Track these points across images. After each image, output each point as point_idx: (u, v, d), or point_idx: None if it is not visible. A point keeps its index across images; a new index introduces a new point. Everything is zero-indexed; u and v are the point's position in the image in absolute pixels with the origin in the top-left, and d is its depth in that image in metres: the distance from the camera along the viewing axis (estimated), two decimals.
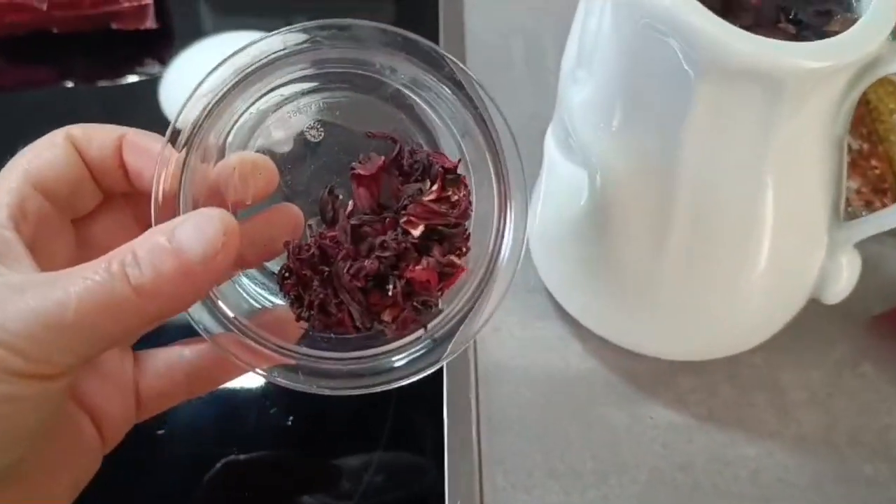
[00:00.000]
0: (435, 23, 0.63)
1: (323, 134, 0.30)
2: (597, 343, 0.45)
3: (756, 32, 0.32)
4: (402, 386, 0.28)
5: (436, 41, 0.60)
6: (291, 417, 0.42)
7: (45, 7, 0.57)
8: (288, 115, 0.30)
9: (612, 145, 0.36)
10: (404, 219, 0.28)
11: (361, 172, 0.29)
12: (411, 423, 0.42)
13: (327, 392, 0.28)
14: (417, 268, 0.28)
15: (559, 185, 0.42)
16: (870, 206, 0.50)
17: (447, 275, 0.28)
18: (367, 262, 0.27)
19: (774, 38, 0.32)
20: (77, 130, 0.27)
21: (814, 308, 0.42)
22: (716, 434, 0.43)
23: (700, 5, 0.30)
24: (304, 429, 0.42)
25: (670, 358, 0.43)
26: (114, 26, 0.59)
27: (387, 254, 0.27)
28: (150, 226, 0.25)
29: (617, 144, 0.36)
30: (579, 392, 0.44)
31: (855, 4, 0.34)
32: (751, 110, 0.32)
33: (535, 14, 0.61)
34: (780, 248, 0.37)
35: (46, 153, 0.26)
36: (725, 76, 0.31)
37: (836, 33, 0.33)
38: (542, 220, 0.44)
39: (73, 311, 0.21)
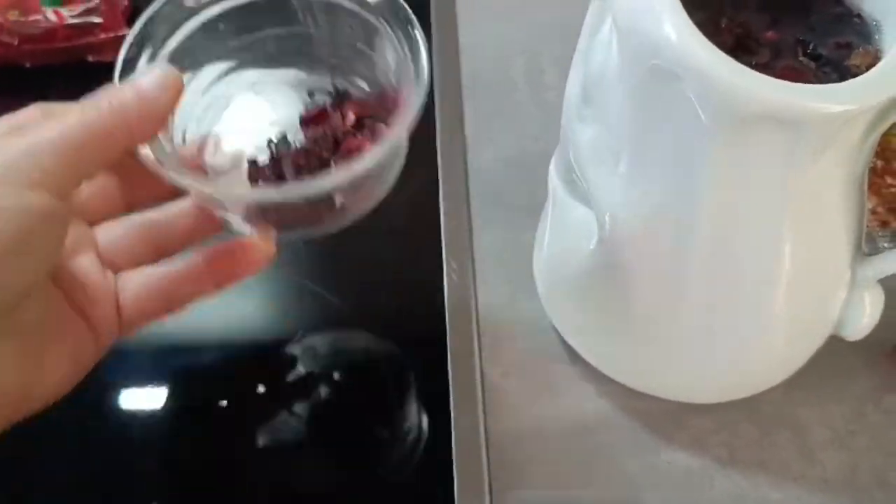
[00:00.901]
0: (427, 42, 0.60)
1: None
2: (610, 385, 0.43)
3: (774, 69, 0.30)
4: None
5: (429, 61, 0.59)
6: None
7: (15, 42, 0.55)
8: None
9: (621, 190, 0.34)
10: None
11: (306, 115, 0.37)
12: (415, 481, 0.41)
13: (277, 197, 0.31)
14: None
15: (566, 223, 0.40)
16: (886, 226, 0.49)
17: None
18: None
19: (793, 74, 0.30)
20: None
21: (833, 339, 0.40)
22: (737, 477, 0.41)
23: (713, 46, 0.28)
24: None
25: (688, 401, 0.41)
26: (90, 59, 0.57)
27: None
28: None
29: (626, 190, 0.34)
30: (593, 438, 0.42)
31: (876, 37, 0.32)
32: (770, 156, 0.30)
33: (536, 32, 0.59)
34: (800, 290, 0.36)
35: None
36: (743, 122, 0.29)
37: (857, 67, 0.31)
38: (548, 258, 0.42)
39: (59, 134, 0.27)
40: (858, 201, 0.35)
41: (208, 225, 0.34)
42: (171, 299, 0.33)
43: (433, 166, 0.52)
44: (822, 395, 0.44)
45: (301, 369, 0.44)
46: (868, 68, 0.30)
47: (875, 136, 0.32)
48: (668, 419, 0.42)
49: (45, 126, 0.27)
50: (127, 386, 0.43)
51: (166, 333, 0.42)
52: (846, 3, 0.33)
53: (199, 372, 0.45)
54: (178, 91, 0.30)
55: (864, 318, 0.38)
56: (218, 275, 0.33)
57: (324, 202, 0.32)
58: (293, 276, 0.47)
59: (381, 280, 0.47)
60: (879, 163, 0.50)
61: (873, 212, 0.49)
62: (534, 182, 0.45)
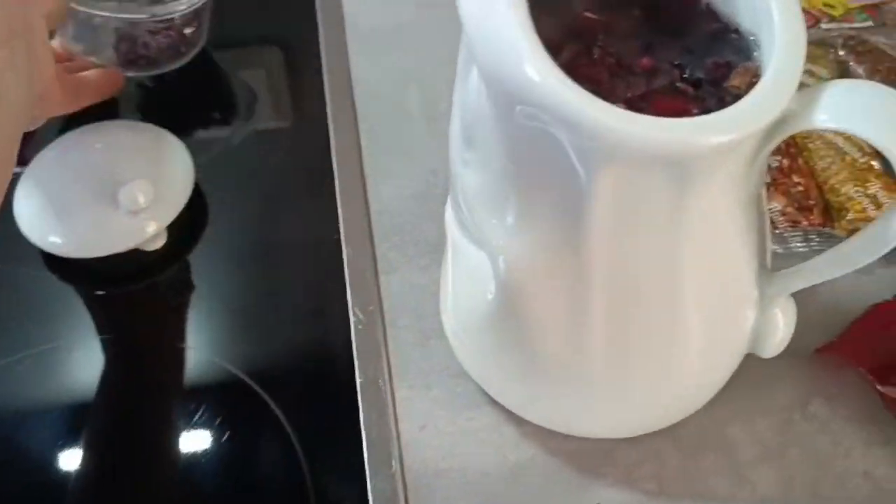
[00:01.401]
0: (319, 77, 0.58)
1: None
2: (531, 427, 0.41)
3: (653, 98, 0.29)
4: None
5: (321, 92, 0.57)
6: None
7: None
8: None
9: (511, 236, 0.32)
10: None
11: None
12: None
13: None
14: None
15: (466, 266, 0.38)
16: (797, 226, 0.48)
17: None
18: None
19: (671, 103, 0.28)
20: None
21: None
22: None
23: (579, 87, 0.26)
24: None
25: (609, 437, 0.40)
26: None
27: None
28: None
29: (517, 235, 0.32)
30: (519, 486, 0.40)
31: (755, 52, 0.30)
32: (656, 192, 0.28)
33: (428, 60, 0.57)
34: (709, 316, 0.34)
35: None
36: (622, 164, 0.27)
37: (737, 87, 0.29)
38: (453, 302, 0.40)
39: None
40: (756, 219, 0.34)
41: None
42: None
43: (332, 207, 0.50)
44: (747, 409, 0.42)
45: (207, 438, 0.41)
46: (749, 87, 0.28)
47: (765, 154, 0.30)
48: (594, 456, 0.41)
49: None
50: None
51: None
52: (723, 19, 0.32)
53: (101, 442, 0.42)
54: None
55: (779, 333, 0.37)
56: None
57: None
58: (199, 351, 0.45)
59: (286, 343, 0.45)
60: (785, 161, 0.50)
61: (783, 213, 0.48)
62: (439, 217, 0.43)
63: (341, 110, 0.55)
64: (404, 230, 0.49)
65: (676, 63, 0.30)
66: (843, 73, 0.55)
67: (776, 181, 0.49)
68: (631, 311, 0.33)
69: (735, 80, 0.29)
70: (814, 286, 0.45)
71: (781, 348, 0.37)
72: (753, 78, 0.29)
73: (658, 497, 0.40)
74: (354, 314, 0.45)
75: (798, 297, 0.46)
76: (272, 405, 0.41)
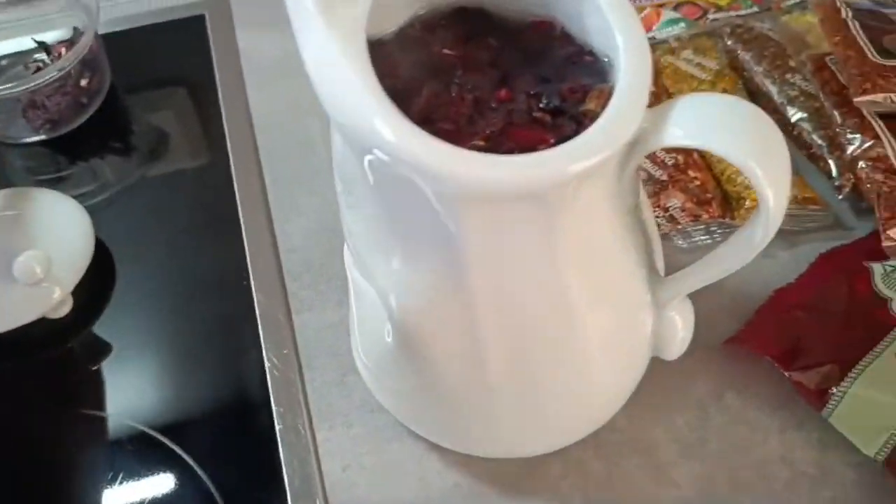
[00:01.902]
0: (216, 111, 0.58)
1: None
2: (453, 454, 0.41)
3: (511, 131, 0.29)
4: None
5: (220, 126, 0.56)
6: None
7: None
8: None
9: (397, 276, 0.33)
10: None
11: None
12: None
13: None
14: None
15: (365, 304, 0.38)
16: (698, 220, 0.49)
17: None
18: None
19: (529, 135, 0.29)
20: None
21: None
22: None
23: (426, 135, 0.26)
24: None
25: (529, 455, 0.40)
26: None
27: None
28: None
29: (401, 275, 0.32)
30: None
31: (610, 73, 0.31)
32: (522, 222, 0.29)
33: None
34: (603, 328, 0.35)
35: None
36: (482, 202, 0.27)
37: (593, 111, 0.30)
38: (360, 337, 0.41)
39: None
40: (638, 229, 0.34)
41: None
42: None
43: (241, 249, 0.50)
44: (663, 408, 0.43)
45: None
46: (604, 109, 0.29)
47: (630, 171, 0.31)
48: (518, 475, 0.41)
49: None
50: None
51: None
52: (577, 42, 0.32)
53: None
54: None
55: (678, 335, 0.37)
56: None
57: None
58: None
59: (202, 396, 0.44)
60: (680, 158, 0.50)
61: (683, 208, 0.49)
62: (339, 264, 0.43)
63: (242, 147, 0.55)
64: (314, 267, 0.49)
65: (533, 93, 0.30)
66: (733, 61, 0.56)
67: (673, 178, 0.49)
68: (525, 336, 0.33)
69: (591, 104, 0.29)
70: (725, 277, 0.46)
71: (683, 349, 0.38)
72: (608, 99, 0.29)
73: None
74: (269, 359, 0.45)
75: (705, 289, 0.47)
76: (191, 462, 0.41)
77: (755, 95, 0.55)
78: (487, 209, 0.27)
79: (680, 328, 0.37)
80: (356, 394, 0.43)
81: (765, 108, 0.53)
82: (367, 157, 0.28)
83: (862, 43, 0.49)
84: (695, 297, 0.45)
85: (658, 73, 0.57)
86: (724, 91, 0.54)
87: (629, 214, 0.33)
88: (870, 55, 0.48)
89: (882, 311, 0.42)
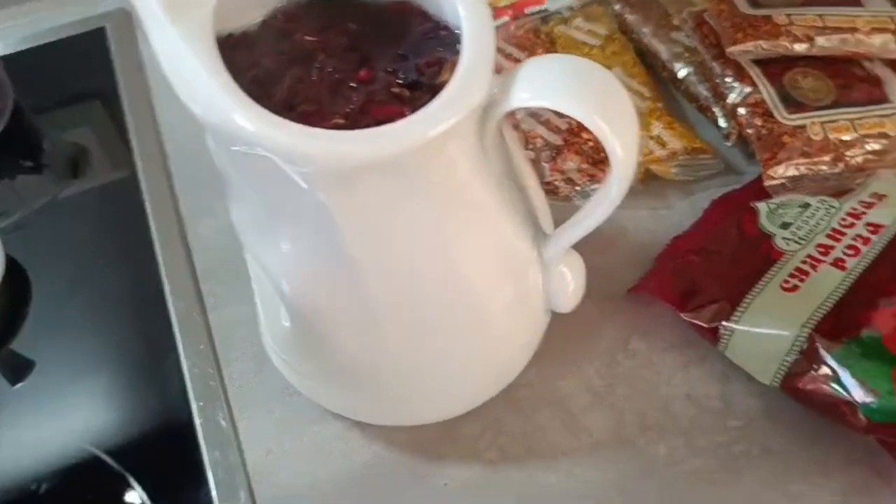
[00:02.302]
0: (121, 121, 0.58)
1: None
2: (373, 428, 0.43)
3: (370, 108, 0.30)
4: None
5: (127, 137, 0.57)
6: None
7: None
8: None
9: (284, 260, 0.34)
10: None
11: None
12: None
13: None
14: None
15: (265, 292, 0.39)
16: (594, 179, 0.50)
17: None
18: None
19: (389, 110, 0.30)
20: None
21: None
22: (513, 474, 0.41)
23: (283, 121, 0.27)
24: None
25: (447, 418, 0.42)
26: None
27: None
28: None
29: (287, 259, 0.34)
30: (369, 486, 0.42)
31: (459, 45, 0.32)
32: (391, 192, 0.30)
33: None
34: (494, 288, 0.36)
35: None
36: (345, 178, 0.29)
37: (448, 82, 0.31)
38: (265, 325, 0.42)
39: None
40: (517, 190, 0.36)
41: None
42: None
43: (151, 251, 0.50)
44: (573, 359, 0.45)
45: None
46: None
47: (492, 133, 0.32)
48: (437, 440, 0.42)
49: None
50: None
51: None
52: (433, 18, 0.33)
53: None
54: None
55: (570, 287, 0.39)
56: None
57: None
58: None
59: (126, 404, 0.45)
60: (573, 122, 0.52)
61: (579, 170, 0.50)
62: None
63: (150, 156, 0.56)
64: (228, 263, 0.50)
65: (392, 70, 0.32)
66: (622, 25, 0.58)
67: (567, 142, 0.51)
68: (417, 302, 0.35)
69: (446, 75, 0.31)
70: (623, 229, 0.48)
71: (576, 301, 0.39)
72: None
73: (501, 464, 0.42)
74: (187, 357, 0.45)
75: (609, 243, 0.49)
76: (117, 467, 0.42)
77: (645, 55, 0.57)
78: (352, 183, 0.29)
79: (570, 281, 0.39)
80: (274, 381, 0.44)
81: (654, 66, 0.55)
82: (233, 149, 0.29)
83: None
84: (600, 251, 0.47)
85: (552, 43, 0.58)
86: (614, 54, 0.56)
87: (505, 177, 0.35)
88: (741, 6, 0.50)
89: (767, 246, 0.44)
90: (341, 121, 0.30)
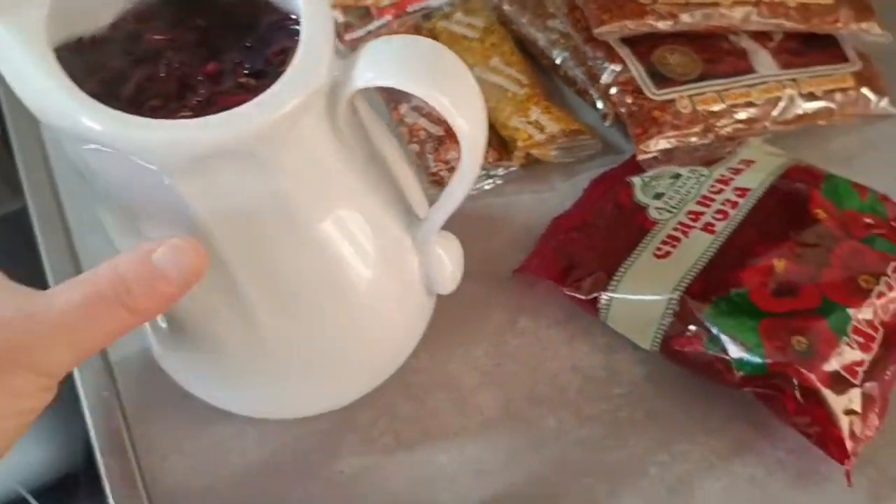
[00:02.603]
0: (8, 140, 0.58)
1: None
2: (267, 424, 0.43)
3: (218, 100, 0.31)
4: None
5: (13, 160, 0.56)
6: None
7: None
8: None
9: None
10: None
11: None
12: None
13: None
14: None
15: None
16: (500, 163, 0.51)
17: None
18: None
19: (235, 98, 0.30)
20: None
21: (466, 285, 0.42)
22: (407, 458, 0.42)
23: (123, 115, 0.28)
24: None
25: (340, 406, 0.42)
26: None
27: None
28: None
29: None
30: (269, 478, 0.42)
31: None
32: (246, 181, 0.30)
33: None
34: (368, 273, 0.37)
35: None
36: (197, 167, 0.29)
37: None
38: (148, 328, 0.42)
39: (83, 334, 0.28)
40: (384, 175, 0.37)
41: None
42: None
43: (40, 268, 0.50)
44: (463, 342, 0.46)
45: None
46: None
47: (342, 114, 0.32)
48: (333, 430, 0.43)
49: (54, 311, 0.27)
50: None
51: None
52: (281, 10, 0.34)
53: None
54: (198, 276, 0.29)
55: (447, 269, 0.40)
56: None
57: None
58: None
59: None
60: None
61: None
62: None
63: (34, 171, 0.55)
64: None
65: (239, 61, 0.32)
66: (501, 17, 0.60)
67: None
68: (289, 290, 0.35)
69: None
70: (507, 213, 0.49)
71: (455, 282, 0.40)
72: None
73: (396, 448, 0.42)
74: (78, 371, 0.45)
75: (494, 226, 0.50)
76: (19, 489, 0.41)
77: (525, 44, 0.58)
78: (207, 172, 0.29)
79: (447, 263, 0.39)
80: (169, 387, 0.44)
81: (534, 54, 0.56)
82: (84, 149, 0.29)
83: None
84: (486, 236, 0.48)
85: (434, 38, 0.59)
86: (493, 45, 0.57)
87: (369, 163, 0.35)
88: None
89: (641, 217, 0.46)
90: (189, 113, 0.30)
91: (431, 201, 0.44)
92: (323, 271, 0.35)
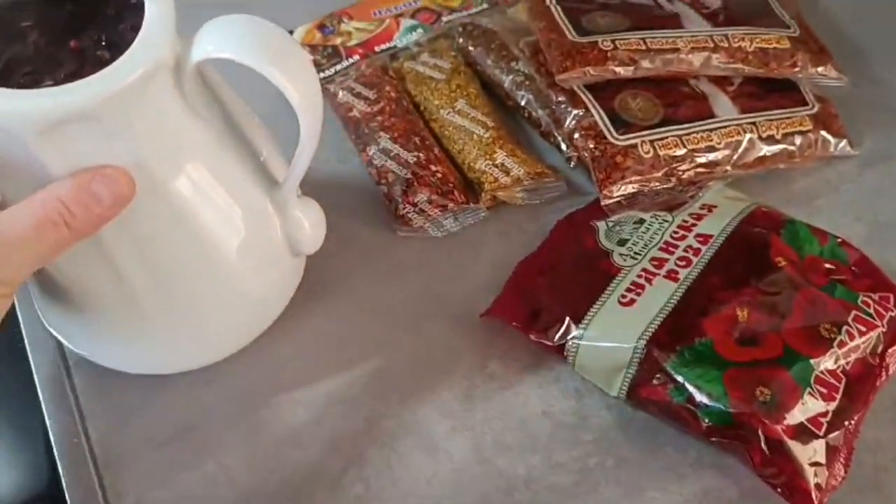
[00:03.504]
0: None
1: None
2: (241, 470, 0.43)
3: (83, 72, 0.32)
4: None
5: None
6: None
7: None
8: None
9: None
10: None
11: None
12: None
13: None
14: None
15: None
16: (445, 210, 0.52)
17: None
18: None
19: (94, 69, 0.32)
20: None
21: (436, 329, 0.44)
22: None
23: None
24: None
25: (207, 364, 0.45)
26: None
27: None
28: None
29: None
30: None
31: None
32: (100, 145, 0.33)
33: None
34: (228, 232, 0.39)
35: None
36: (51, 129, 0.31)
37: None
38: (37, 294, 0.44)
39: (34, 250, 0.33)
40: (243, 143, 0.40)
41: None
42: None
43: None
44: (432, 387, 0.46)
45: None
46: None
47: (189, 86, 0.35)
48: (303, 479, 0.43)
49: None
50: None
51: None
52: None
53: None
54: (127, 201, 0.34)
55: (306, 230, 0.42)
56: None
57: None
58: None
59: None
60: (422, 155, 0.53)
61: (430, 201, 0.52)
62: None
63: None
64: None
65: (97, 38, 0.34)
66: (467, 57, 0.60)
67: (417, 175, 0.52)
68: (155, 251, 0.38)
69: None
70: (475, 254, 0.50)
71: (318, 242, 0.43)
72: None
73: (366, 497, 0.43)
74: (48, 415, 0.45)
75: (462, 267, 0.50)
76: None
77: (490, 86, 0.59)
78: (59, 135, 0.31)
79: (307, 226, 0.42)
80: (141, 431, 0.44)
81: (499, 96, 0.57)
82: None
83: (563, 25, 0.54)
84: (454, 278, 0.48)
85: (402, 78, 0.60)
86: (458, 87, 0.57)
87: (225, 133, 0.38)
88: (569, 35, 0.53)
89: (606, 263, 0.47)
90: (52, 83, 0.32)
91: (401, 240, 0.46)
92: (182, 229, 0.38)
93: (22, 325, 0.49)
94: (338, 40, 0.63)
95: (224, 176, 0.38)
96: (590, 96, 0.52)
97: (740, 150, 0.52)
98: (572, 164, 0.54)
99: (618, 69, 0.52)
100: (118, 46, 0.33)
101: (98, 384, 0.46)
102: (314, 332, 0.48)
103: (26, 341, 0.48)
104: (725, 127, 0.53)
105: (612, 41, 0.53)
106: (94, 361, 0.44)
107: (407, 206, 0.52)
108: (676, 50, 0.53)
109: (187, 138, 0.36)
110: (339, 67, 0.61)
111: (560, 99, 0.53)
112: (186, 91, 0.35)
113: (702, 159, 0.52)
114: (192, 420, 0.45)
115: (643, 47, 0.53)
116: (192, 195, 0.37)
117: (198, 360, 0.44)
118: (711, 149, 0.52)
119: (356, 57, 0.62)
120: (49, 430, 0.45)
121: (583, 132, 0.51)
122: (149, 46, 0.32)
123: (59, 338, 0.45)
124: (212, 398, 0.45)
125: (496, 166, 0.53)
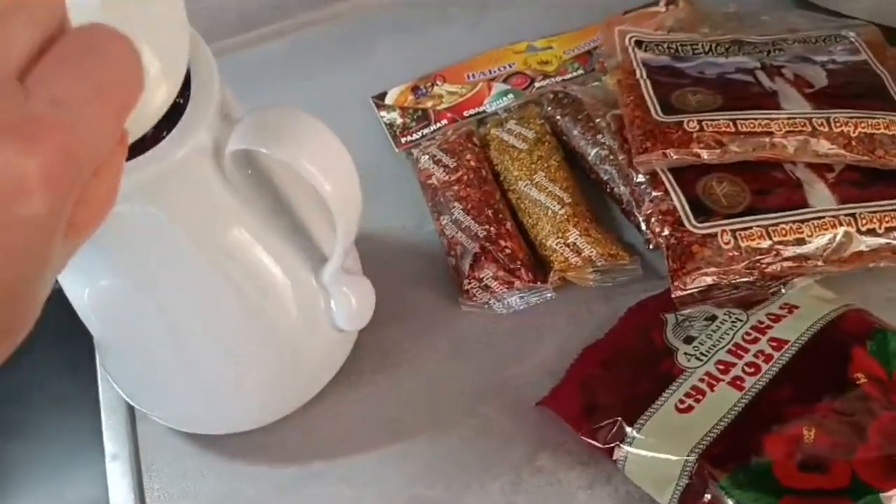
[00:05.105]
0: None
1: None
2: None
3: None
4: None
5: None
6: None
7: None
8: None
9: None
10: None
11: None
12: None
13: None
14: None
15: None
16: (511, 287, 0.51)
17: None
18: None
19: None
20: None
21: (490, 413, 0.44)
22: None
23: None
24: None
25: (252, 428, 0.46)
26: None
27: None
28: None
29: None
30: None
31: None
32: (146, 218, 0.34)
33: None
34: (279, 314, 0.41)
35: None
36: None
37: None
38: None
39: None
40: (293, 221, 0.40)
41: None
42: None
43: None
44: (479, 475, 0.45)
45: None
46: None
47: (229, 169, 0.35)
48: None
49: None
50: None
51: None
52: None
53: None
54: None
55: (353, 309, 0.42)
56: None
57: None
58: None
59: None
60: (492, 229, 0.52)
61: (495, 277, 0.51)
62: None
63: None
64: None
65: None
66: (553, 126, 0.59)
67: (484, 249, 0.52)
68: (204, 317, 0.40)
69: None
70: (541, 336, 0.48)
71: (361, 320, 0.43)
72: None
73: None
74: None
75: (527, 349, 0.49)
76: None
77: (574, 157, 0.57)
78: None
79: (354, 302, 0.43)
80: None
81: (583, 168, 0.56)
82: None
83: (650, 102, 0.52)
84: (518, 360, 0.47)
85: (486, 145, 0.59)
86: (540, 157, 0.56)
87: (272, 213, 0.39)
88: (654, 113, 0.51)
89: (668, 362, 0.44)
90: None
91: (465, 315, 0.48)
92: (227, 301, 0.39)
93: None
94: (429, 103, 0.63)
95: (266, 249, 0.39)
96: (671, 178, 0.50)
97: (834, 244, 0.49)
98: (651, 245, 0.52)
99: (702, 152, 0.49)
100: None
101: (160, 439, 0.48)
102: (366, 402, 0.48)
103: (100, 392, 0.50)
104: (820, 218, 0.49)
105: (699, 122, 0.50)
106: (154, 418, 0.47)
107: (472, 280, 0.51)
108: (769, 133, 0.50)
109: (225, 213, 0.37)
110: (426, 131, 0.61)
111: (640, 178, 0.51)
112: (227, 173, 0.36)
113: (789, 253, 0.48)
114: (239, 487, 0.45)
115: (732, 129, 0.50)
116: (231, 266, 0.38)
117: (237, 424, 0.46)
118: (801, 242, 0.48)
119: (444, 121, 0.62)
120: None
121: (660, 216, 0.49)
122: (185, 134, 0.33)
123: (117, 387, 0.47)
124: (264, 464, 0.47)
125: (567, 245, 0.51)
